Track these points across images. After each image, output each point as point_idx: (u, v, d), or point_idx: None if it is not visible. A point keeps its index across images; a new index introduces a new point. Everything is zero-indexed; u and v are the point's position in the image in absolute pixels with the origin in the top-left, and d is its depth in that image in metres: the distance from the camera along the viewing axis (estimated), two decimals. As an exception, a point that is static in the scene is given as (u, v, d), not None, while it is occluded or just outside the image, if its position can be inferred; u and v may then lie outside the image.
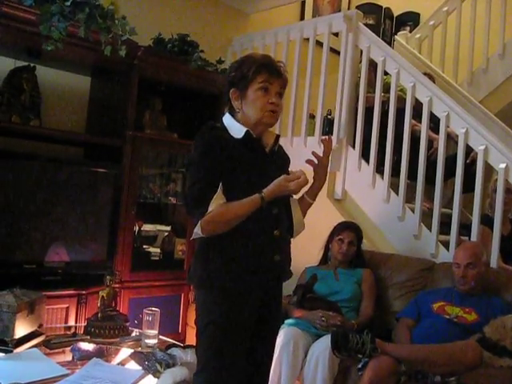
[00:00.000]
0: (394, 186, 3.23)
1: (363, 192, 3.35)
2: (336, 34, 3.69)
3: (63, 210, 2.87)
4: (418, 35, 4.70)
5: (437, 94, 3.15)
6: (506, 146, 2.89)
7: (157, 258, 3.51)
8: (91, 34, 2.69)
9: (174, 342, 2.54)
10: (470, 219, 3.05)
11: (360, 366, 2.25)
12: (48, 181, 2.82)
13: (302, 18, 4.77)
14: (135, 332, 2.59)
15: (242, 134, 1.75)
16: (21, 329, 2.23)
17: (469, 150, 3.05)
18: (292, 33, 3.75)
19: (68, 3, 2.58)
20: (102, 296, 2.59)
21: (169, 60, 3.31)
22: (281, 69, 1.78)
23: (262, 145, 1.82)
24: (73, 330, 2.56)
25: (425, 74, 3.51)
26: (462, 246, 2.68)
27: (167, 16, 3.76)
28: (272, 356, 1.94)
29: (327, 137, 1.98)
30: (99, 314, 2.56)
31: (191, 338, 2.74)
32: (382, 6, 5.42)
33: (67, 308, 2.76)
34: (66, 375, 2.01)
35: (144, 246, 3.51)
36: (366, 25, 3.74)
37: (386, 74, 3.40)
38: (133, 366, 2.18)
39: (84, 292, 2.82)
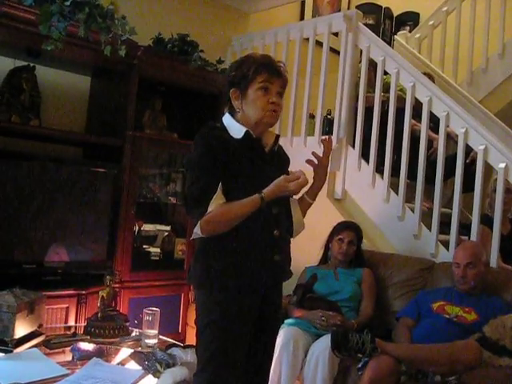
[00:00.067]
0: (393, 186, 3.23)
1: (363, 192, 3.35)
2: (336, 34, 3.69)
3: (63, 210, 2.87)
4: (417, 35, 4.70)
5: (436, 93, 3.15)
6: (505, 145, 2.89)
7: (157, 258, 3.51)
8: (91, 34, 2.70)
9: (174, 341, 2.54)
10: (469, 219, 3.05)
11: (360, 365, 2.25)
12: (48, 181, 2.82)
13: (302, 17, 4.77)
14: (135, 332, 2.60)
15: (242, 134, 1.75)
16: (21, 329, 2.23)
17: (468, 150, 3.05)
18: (292, 33, 3.75)
19: (68, 3, 2.58)
20: (102, 296, 2.59)
21: (169, 60, 3.31)
22: (281, 69, 1.78)
23: (261, 145, 1.82)
24: (73, 330, 2.56)
25: (424, 73, 3.51)
26: (461, 245, 2.68)
27: (167, 16, 3.76)
28: (272, 356, 1.94)
29: (327, 137, 1.98)
30: (99, 314, 2.56)
31: (191, 337, 2.74)
32: (381, 6, 5.42)
33: (67, 308, 2.76)
34: (66, 375, 2.02)
35: (144, 246, 3.51)
36: (366, 25, 3.74)
37: (385, 73, 3.40)
38: (133, 365, 2.18)
39: (84, 292, 2.82)
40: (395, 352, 2.23)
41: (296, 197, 1.90)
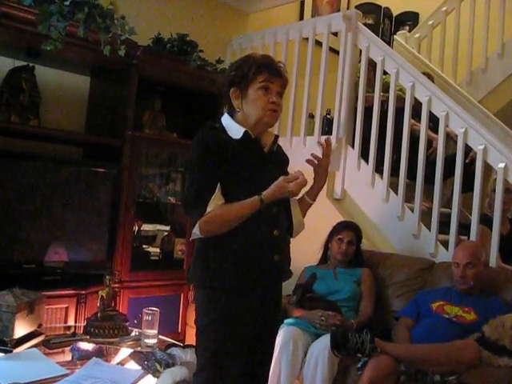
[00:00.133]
0: (393, 186, 3.23)
1: (362, 191, 3.35)
2: (335, 34, 3.69)
3: (62, 210, 2.87)
4: (417, 35, 4.70)
5: (436, 93, 3.15)
6: (505, 145, 2.89)
7: (156, 258, 3.51)
8: (90, 34, 2.69)
9: (174, 341, 2.54)
10: (469, 219, 3.05)
11: (359, 365, 2.25)
12: (47, 181, 2.81)
13: (302, 17, 4.77)
14: (135, 332, 2.60)
15: (241, 134, 1.75)
16: (20, 329, 2.23)
17: (468, 150, 3.05)
18: (291, 32, 3.75)
19: (67, 3, 2.57)
20: (102, 296, 2.59)
21: (168, 60, 3.31)
22: (281, 69, 1.79)
23: (260, 145, 1.82)
24: (72, 330, 2.55)
25: (424, 73, 3.51)
26: (461, 245, 2.68)
27: (166, 16, 3.76)
28: (271, 355, 1.94)
29: (327, 137, 1.98)
30: (99, 314, 2.56)
31: (191, 337, 2.74)
32: (381, 6, 5.42)
33: (67, 308, 2.76)
34: (66, 375, 2.02)
35: (143, 246, 3.51)
36: (365, 24, 3.75)
37: (385, 73, 3.40)
38: (132, 365, 2.18)
39: (83, 292, 2.82)
40: (395, 352, 2.23)
41: (296, 197, 1.90)
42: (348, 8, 5.09)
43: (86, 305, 2.82)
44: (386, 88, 3.42)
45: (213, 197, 1.67)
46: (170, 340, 2.55)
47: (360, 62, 3.52)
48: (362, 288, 2.81)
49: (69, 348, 2.29)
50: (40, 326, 2.41)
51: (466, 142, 2.98)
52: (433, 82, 3.53)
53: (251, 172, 1.74)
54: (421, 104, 3.18)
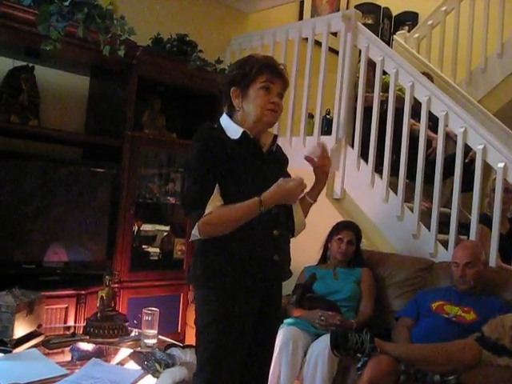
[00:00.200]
0: (392, 186, 3.23)
1: (362, 191, 3.35)
2: (335, 34, 3.69)
3: (62, 210, 2.87)
4: (416, 35, 4.70)
5: (435, 93, 3.15)
6: (504, 145, 2.89)
7: (156, 258, 3.51)
8: (90, 34, 2.69)
9: (174, 341, 2.54)
10: (468, 218, 3.05)
11: (359, 365, 2.24)
12: (47, 181, 2.81)
13: (301, 17, 4.77)
14: (134, 332, 2.59)
15: (239, 134, 1.75)
16: (20, 329, 2.23)
17: (467, 150, 3.05)
18: (291, 32, 3.75)
19: (67, 3, 2.57)
20: (102, 296, 2.59)
21: (167, 60, 3.31)
22: (282, 70, 1.79)
23: (259, 145, 1.82)
24: (72, 330, 2.55)
25: (423, 73, 3.51)
26: (460, 245, 2.68)
27: (166, 16, 3.76)
28: (271, 355, 1.94)
29: (318, 142, 1.98)
30: (98, 314, 2.56)
31: (191, 337, 2.74)
32: (380, 6, 5.42)
33: (66, 308, 2.76)
34: (66, 375, 2.01)
35: (143, 246, 3.51)
36: (365, 24, 3.75)
37: (384, 73, 3.40)
38: (132, 365, 2.18)
39: (83, 292, 2.82)
40: (394, 352, 2.23)
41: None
42: (347, 8, 5.08)
43: (86, 305, 2.82)
44: (385, 88, 3.42)
45: (211, 198, 1.66)
46: (169, 340, 2.55)
47: (359, 61, 3.52)
48: (361, 288, 2.81)
49: (68, 348, 2.29)
50: (40, 326, 2.41)
51: (465, 141, 2.98)
52: (432, 81, 3.53)
53: (250, 172, 1.74)
54: (420, 104, 3.18)
